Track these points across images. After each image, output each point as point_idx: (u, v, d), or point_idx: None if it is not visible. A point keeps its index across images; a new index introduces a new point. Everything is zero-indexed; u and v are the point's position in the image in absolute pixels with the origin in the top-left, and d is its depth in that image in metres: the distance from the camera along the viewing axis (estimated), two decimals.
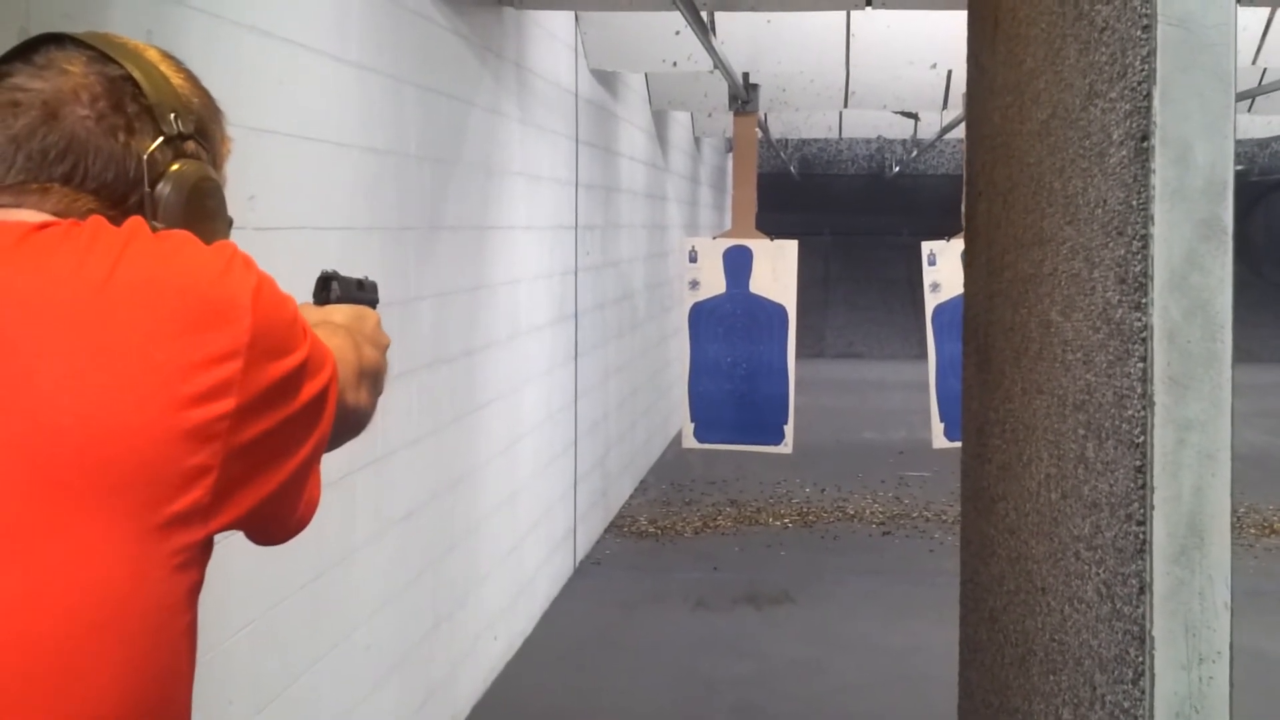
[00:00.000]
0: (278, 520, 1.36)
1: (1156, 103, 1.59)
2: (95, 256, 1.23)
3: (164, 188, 1.34)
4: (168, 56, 1.40)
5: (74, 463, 1.17)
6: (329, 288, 1.72)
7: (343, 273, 1.74)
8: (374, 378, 1.61)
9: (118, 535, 1.17)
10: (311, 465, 1.36)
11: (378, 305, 1.77)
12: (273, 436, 1.28)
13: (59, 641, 1.15)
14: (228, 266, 1.27)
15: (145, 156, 1.33)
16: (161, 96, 1.35)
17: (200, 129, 1.40)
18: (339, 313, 1.66)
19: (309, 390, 1.32)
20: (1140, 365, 1.64)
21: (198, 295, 1.24)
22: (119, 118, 1.32)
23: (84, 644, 1.16)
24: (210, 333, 1.23)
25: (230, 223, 1.45)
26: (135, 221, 1.29)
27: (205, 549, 1.25)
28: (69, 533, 1.16)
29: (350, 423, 1.52)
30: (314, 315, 1.63)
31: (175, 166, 1.35)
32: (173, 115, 1.35)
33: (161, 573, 1.19)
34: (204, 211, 1.38)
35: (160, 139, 1.34)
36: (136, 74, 1.34)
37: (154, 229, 1.31)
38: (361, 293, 1.75)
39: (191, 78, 1.42)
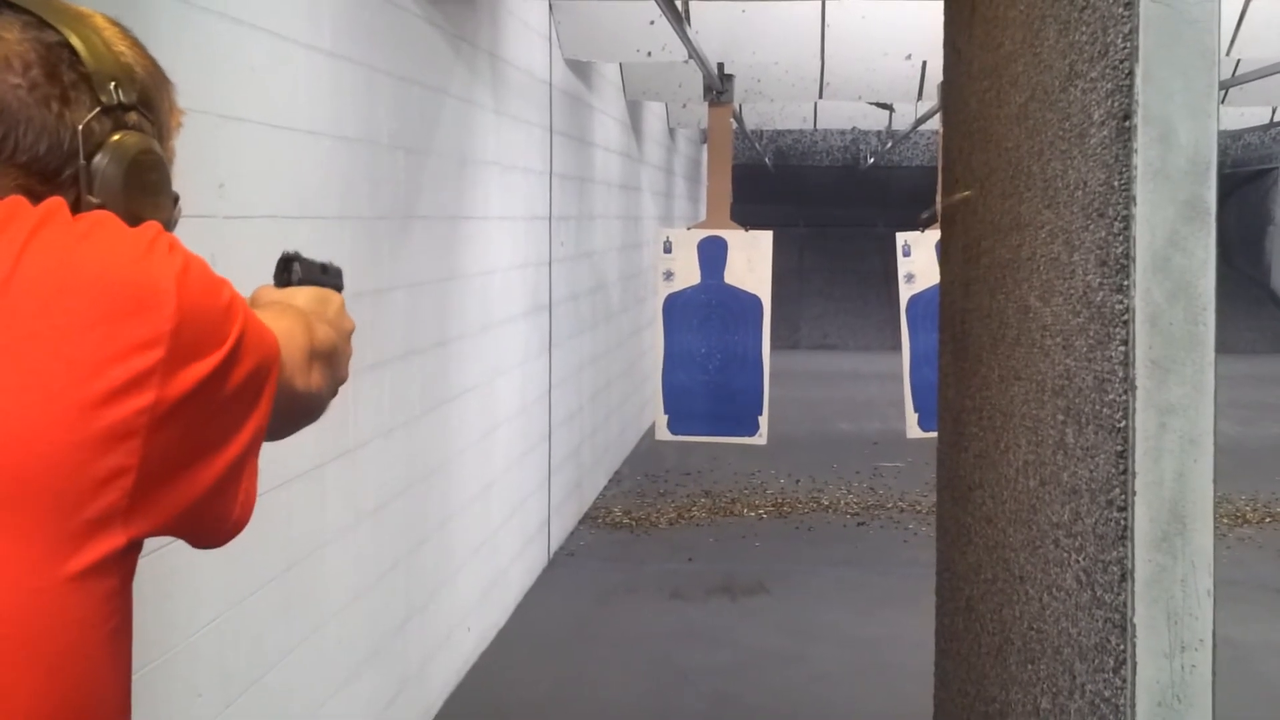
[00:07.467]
0: (212, 521, 1.26)
1: (1139, 81, 1.57)
2: (1, 245, 1.14)
3: (101, 160, 1.26)
4: (113, 23, 1.33)
5: None
6: (290, 269, 1.60)
7: (305, 255, 1.63)
8: (329, 359, 1.50)
9: (21, 548, 1.09)
10: (247, 460, 1.27)
11: (342, 291, 1.66)
12: (200, 432, 1.19)
13: None
14: (149, 249, 1.18)
15: (80, 127, 1.25)
16: (101, 65, 1.27)
17: (144, 100, 1.31)
18: (300, 295, 1.57)
19: (242, 380, 1.22)
20: (1121, 349, 1.62)
21: (114, 281, 1.15)
22: (53, 87, 1.24)
23: None
24: (128, 321, 1.14)
25: (176, 199, 1.36)
26: (52, 203, 1.20)
27: (128, 552, 1.16)
28: None
29: (301, 408, 1.44)
30: (273, 298, 1.55)
31: (114, 138, 1.27)
32: (113, 84, 1.27)
33: (74, 584, 1.11)
34: (145, 185, 1.30)
35: (97, 109, 1.26)
36: (75, 40, 1.26)
37: (90, 205, 1.24)
38: (325, 276, 1.64)
39: (137, 45, 1.34)
